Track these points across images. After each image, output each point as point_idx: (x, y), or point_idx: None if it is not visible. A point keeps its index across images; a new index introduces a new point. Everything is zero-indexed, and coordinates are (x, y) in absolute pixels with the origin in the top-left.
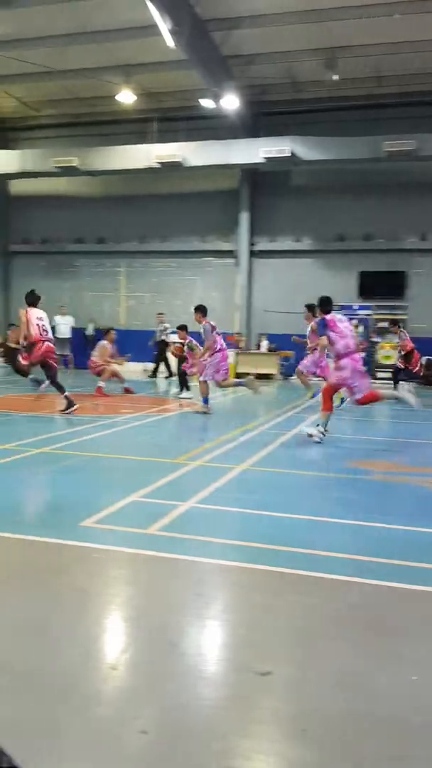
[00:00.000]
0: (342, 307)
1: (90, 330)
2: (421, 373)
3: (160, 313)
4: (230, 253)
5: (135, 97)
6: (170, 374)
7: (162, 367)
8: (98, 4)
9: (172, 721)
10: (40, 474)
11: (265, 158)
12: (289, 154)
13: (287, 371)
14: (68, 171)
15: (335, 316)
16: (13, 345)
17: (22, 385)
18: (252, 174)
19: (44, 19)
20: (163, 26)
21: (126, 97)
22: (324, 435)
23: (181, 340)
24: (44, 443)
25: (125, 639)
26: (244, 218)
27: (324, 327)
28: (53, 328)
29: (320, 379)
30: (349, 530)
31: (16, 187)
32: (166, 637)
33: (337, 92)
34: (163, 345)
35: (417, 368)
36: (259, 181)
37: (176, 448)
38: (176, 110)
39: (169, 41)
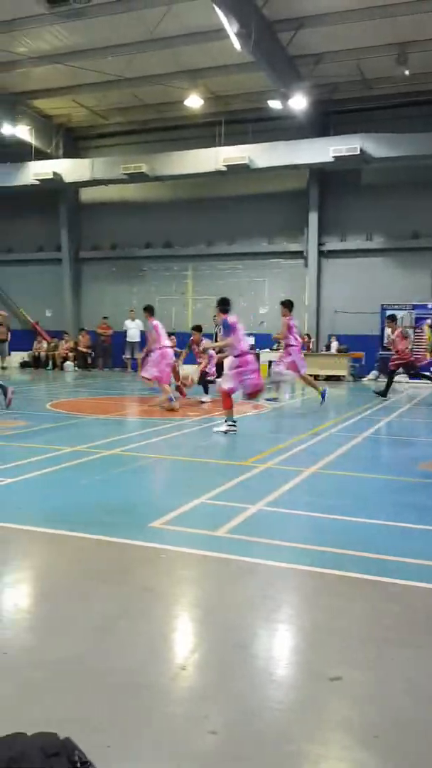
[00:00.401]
0: (415, 307)
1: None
2: None
3: (216, 316)
4: (299, 254)
5: (202, 101)
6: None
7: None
8: (165, 12)
9: (241, 723)
10: (110, 475)
11: (335, 157)
12: (359, 152)
13: (358, 372)
14: (137, 177)
15: (235, 318)
16: (83, 349)
17: (93, 388)
18: (320, 173)
19: (113, 29)
20: (230, 29)
21: (194, 101)
22: (234, 427)
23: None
24: (114, 445)
25: (194, 639)
26: (313, 218)
27: (228, 328)
28: (123, 332)
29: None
30: (422, 536)
31: (86, 194)
32: (235, 638)
33: (408, 88)
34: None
35: None
36: (327, 180)
37: (245, 450)
38: (243, 112)
39: (236, 44)
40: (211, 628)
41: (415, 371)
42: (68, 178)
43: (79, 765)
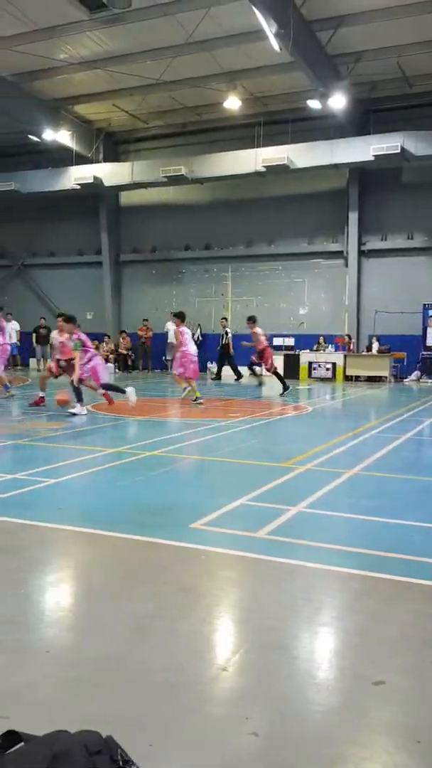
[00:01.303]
0: None
1: (197, 335)
2: None
3: (223, 318)
4: (338, 254)
5: (241, 103)
6: (239, 377)
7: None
8: (202, 15)
9: (282, 725)
10: (150, 476)
11: (375, 156)
12: (400, 150)
13: (400, 373)
14: (176, 180)
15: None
16: (124, 351)
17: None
18: (361, 172)
19: (151, 33)
20: (269, 30)
21: (232, 103)
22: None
23: None
24: (155, 446)
25: (234, 640)
26: (353, 218)
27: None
28: (164, 334)
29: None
30: None
31: (126, 198)
32: (276, 640)
33: None
34: (226, 349)
35: None
36: (367, 179)
37: (285, 451)
38: (282, 113)
39: (275, 45)
40: (251, 630)
41: None
42: (108, 181)
43: (121, 763)
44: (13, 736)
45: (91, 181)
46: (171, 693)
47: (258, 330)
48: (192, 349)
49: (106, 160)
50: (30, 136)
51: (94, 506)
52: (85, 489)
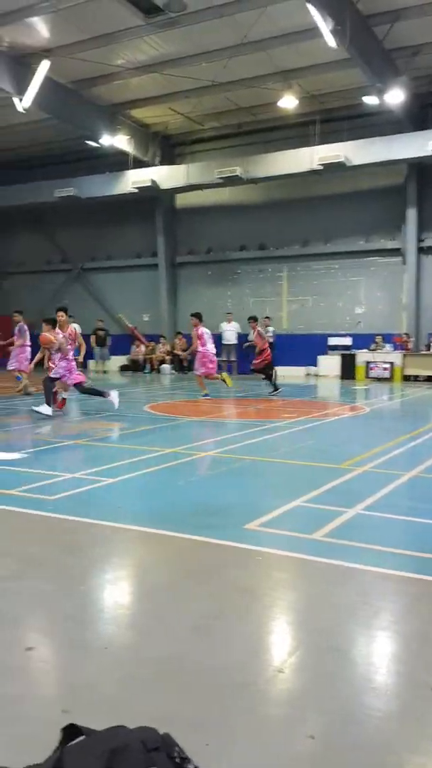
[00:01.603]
0: None
1: (251, 336)
2: None
3: (266, 317)
4: (396, 252)
5: (297, 102)
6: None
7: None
8: (258, 15)
9: (340, 729)
10: (206, 477)
11: None
12: None
13: None
14: (231, 180)
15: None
16: (180, 352)
17: (190, 390)
18: (419, 168)
19: (206, 35)
20: (325, 27)
21: (288, 102)
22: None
23: None
24: (211, 447)
25: (291, 642)
26: (412, 214)
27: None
28: (220, 335)
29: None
30: None
31: (182, 200)
32: (333, 643)
33: None
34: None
35: None
36: (426, 174)
37: (341, 452)
38: (338, 110)
39: (331, 42)
40: (308, 632)
41: None
42: (164, 184)
43: (178, 761)
44: (73, 730)
45: (149, 184)
46: (228, 693)
47: (260, 330)
48: (211, 348)
49: (162, 163)
50: (88, 142)
51: (152, 506)
52: (142, 488)
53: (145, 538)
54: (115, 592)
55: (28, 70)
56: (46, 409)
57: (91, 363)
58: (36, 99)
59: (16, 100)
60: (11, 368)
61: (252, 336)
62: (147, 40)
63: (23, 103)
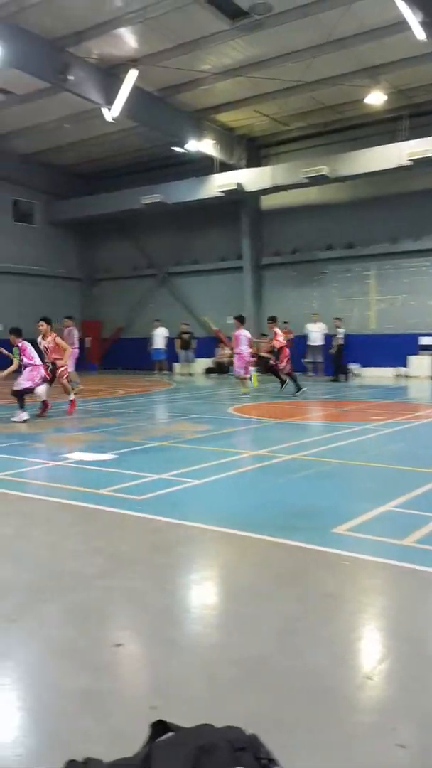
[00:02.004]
0: None
1: (270, 336)
2: None
3: (336, 318)
4: None
5: (384, 97)
6: (345, 377)
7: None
8: (343, 12)
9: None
10: (292, 479)
11: None
12: None
13: None
14: (317, 180)
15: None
16: (264, 354)
17: (275, 393)
18: None
19: (291, 35)
20: (414, 20)
21: (375, 98)
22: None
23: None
24: (296, 449)
25: (380, 649)
26: None
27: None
28: (305, 336)
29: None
30: None
31: (267, 201)
32: (425, 651)
33: None
34: (339, 349)
35: None
36: None
37: None
38: (428, 104)
39: (420, 34)
40: (398, 639)
41: None
42: (250, 187)
43: (265, 762)
44: (161, 726)
45: (234, 187)
46: (315, 698)
47: (278, 330)
48: (245, 350)
49: (248, 165)
50: (174, 148)
51: (237, 507)
52: (227, 490)
53: (231, 540)
54: (202, 592)
55: (116, 80)
56: (20, 416)
57: (177, 366)
58: (124, 108)
59: (104, 110)
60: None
61: (270, 336)
62: (232, 44)
63: (112, 113)
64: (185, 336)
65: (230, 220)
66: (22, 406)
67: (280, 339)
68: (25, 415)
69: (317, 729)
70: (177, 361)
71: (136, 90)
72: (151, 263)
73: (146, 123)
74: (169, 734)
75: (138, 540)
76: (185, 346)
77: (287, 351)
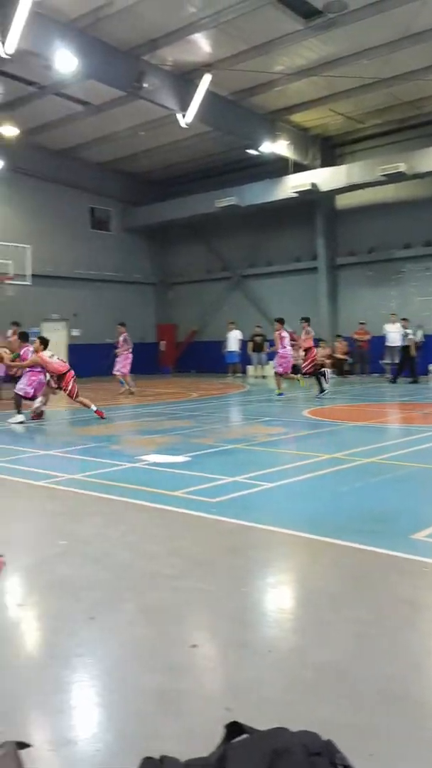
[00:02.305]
0: None
1: (419, 336)
2: None
3: (403, 319)
4: None
5: None
6: (415, 379)
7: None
8: (419, 6)
9: None
10: (369, 483)
11: None
12: None
13: None
14: (394, 177)
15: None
16: (340, 356)
17: (351, 395)
18: None
19: (366, 32)
20: None
21: None
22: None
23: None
24: (373, 453)
25: None
26: None
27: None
28: (383, 337)
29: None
30: None
31: (342, 200)
32: None
33: None
34: (406, 349)
35: None
36: None
37: None
38: None
39: None
40: None
41: None
42: (325, 186)
43: None
44: (236, 727)
45: (309, 188)
46: (394, 705)
47: (309, 329)
48: (289, 350)
49: (322, 165)
50: (248, 151)
51: (311, 512)
52: (302, 494)
53: (306, 544)
54: (277, 595)
55: (189, 85)
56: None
57: (250, 368)
58: (197, 113)
59: (179, 116)
60: (116, 373)
61: (302, 335)
62: (306, 43)
63: (186, 118)
64: (258, 339)
65: (304, 221)
66: (18, 410)
67: (310, 338)
68: (21, 417)
69: (394, 736)
70: (250, 363)
71: (210, 94)
72: (225, 266)
73: (220, 127)
74: (244, 736)
75: (212, 542)
76: (258, 348)
77: (315, 351)
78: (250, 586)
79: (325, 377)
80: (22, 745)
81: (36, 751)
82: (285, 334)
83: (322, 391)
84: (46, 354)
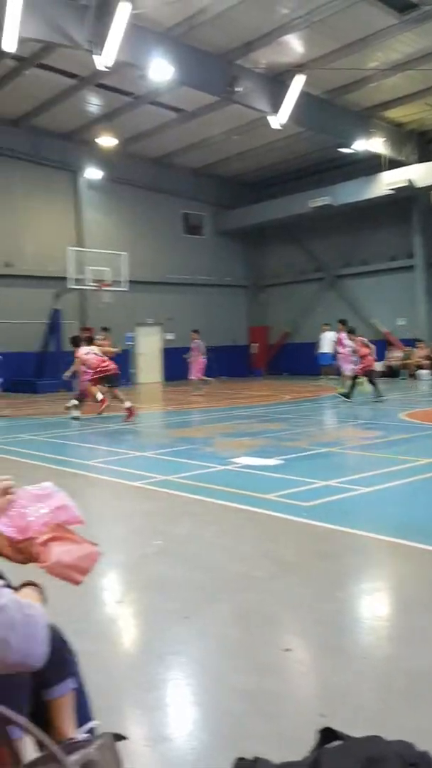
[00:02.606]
0: None
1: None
2: None
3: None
4: None
5: None
6: None
7: None
8: None
9: None
10: None
11: None
12: None
13: None
14: None
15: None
16: None
17: None
18: None
19: None
20: None
21: None
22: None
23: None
24: None
25: None
26: None
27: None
28: None
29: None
30: None
31: None
32: None
33: None
34: None
35: None
36: None
37: None
38: None
39: None
40: None
41: None
42: (421, 182)
43: None
44: (330, 733)
45: (404, 184)
46: None
47: (363, 339)
48: (346, 351)
49: (419, 160)
50: (341, 149)
51: (410, 517)
52: (399, 499)
53: (403, 550)
54: (372, 601)
55: (282, 87)
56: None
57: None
58: (290, 114)
59: (271, 118)
60: (192, 378)
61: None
62: (400, 38)
63: (278, 120)
64: None
65: (400, 218)
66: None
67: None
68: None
69: None
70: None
71: (303, 94)
72: (319, 266)
73: (313, 127)
74: (338, 742)
75: (305, 546)
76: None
77: (370, 358)
78: (345, 591)
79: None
80: (119, 737)
81: (132, 745)
82: (344, 335)
83: (378, 396)
84: (82, 351)
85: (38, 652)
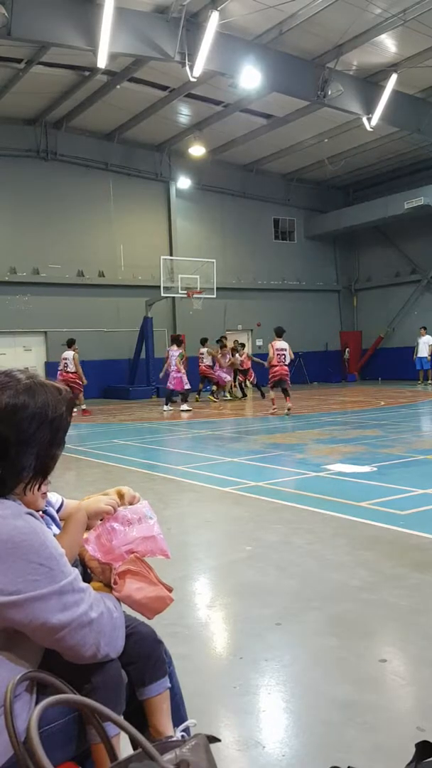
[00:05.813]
0: None
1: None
2: None
3: None
4: None
5: None
6: None
7: None
8: None
9: None
10: None
11: None
12: None
13: None
14: None
15: None
16: None
17: None
18: None
19: None
20: None
21: None
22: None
23: None
24: None
25: None
26: None
27: None
28: None
29: None
30: None
31: None
32: None
33: None
34: None
35: None
36: None
37: None
38: None
39: None
40: None
41: None
42: None
43: None
44: (428, 747)
45: None
46: None
47: None
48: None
49: None
50: None
51: None
52: None
53: None
54: None
55: (374, 87)
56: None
57: None
58: (383, 115)
59: (364, 119)
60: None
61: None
62: None
63: (372, 121)
64: None
65: None
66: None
67: None
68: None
69: None
70: None
71: (396, 94)
72: (415, 269)
73: (407, 126)
74: None
75: (402, 556)
76: None
77: None
78: None
79: None
80: (213, 739)
81: (225, 749)
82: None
83: None
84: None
85: (119, 647)
